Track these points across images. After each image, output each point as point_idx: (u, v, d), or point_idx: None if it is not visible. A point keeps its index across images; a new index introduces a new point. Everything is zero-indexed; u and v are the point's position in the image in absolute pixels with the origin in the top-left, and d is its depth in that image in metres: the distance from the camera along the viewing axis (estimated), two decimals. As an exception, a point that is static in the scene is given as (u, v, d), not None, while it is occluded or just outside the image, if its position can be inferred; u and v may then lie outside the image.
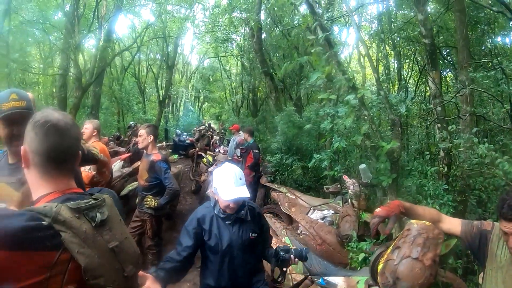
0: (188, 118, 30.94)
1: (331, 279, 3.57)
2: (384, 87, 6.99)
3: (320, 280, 3.68)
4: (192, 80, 38.94)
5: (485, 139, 4.38)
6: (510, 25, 9.48)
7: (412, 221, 2.29)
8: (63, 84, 13.40)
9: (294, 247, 3.13)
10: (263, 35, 15.02)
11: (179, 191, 5.54)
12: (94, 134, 5.26)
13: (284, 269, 3.07)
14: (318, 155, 4.78)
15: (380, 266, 2.25)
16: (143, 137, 5.15)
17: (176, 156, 9.40)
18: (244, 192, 2.76)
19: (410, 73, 13.97)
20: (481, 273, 2.49)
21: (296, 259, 3.05)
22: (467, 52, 7.35)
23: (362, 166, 4.43)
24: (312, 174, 9.59)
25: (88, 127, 5.27)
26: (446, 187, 4.49)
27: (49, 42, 16.16)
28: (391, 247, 2.27)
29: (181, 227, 8.05)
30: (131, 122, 14.68)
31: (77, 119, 11.39)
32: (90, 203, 1.46)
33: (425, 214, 2.50)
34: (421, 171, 4.72)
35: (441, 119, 5.24)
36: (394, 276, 2.07)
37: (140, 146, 5.28)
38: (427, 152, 4.93)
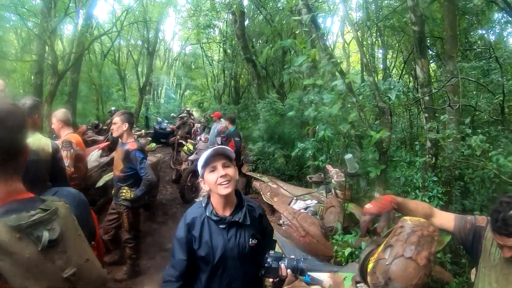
0: (169, 106, 30.59)
1: (316, 275, 3.38)
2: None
3: (304, 276, 3.49)
4: (173, 67, 38.55)
5: (479, 131, 4.23)
6: (500, 16, 9.57)
7: (405, 217, 2.09)
8: (39, 70, 12.94)
9: (292, 256, 2.54)
10: (246, 22, 14.80)
11: (156, 182, 5.30)
12: (61, 126, 4.93)
13: (273, 280, 2.55)
14: (302, 144, 4.56)
15: (370, 265, 2.07)
16: (118, 124, 4.87)
17: (154, 144, 9.16)
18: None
19: (394, 63, 13.88)
20: (473, 269, 2.40)
21: (288, 271, 2.46)
22: (455, 42, 7.27)
23: (348, 156, 4.25)
24: (295, 162, 9.44)
25: (53, 121, 4.98)
26: (435, 178, 4.34)
27: (26, 27, 15.60)
28: (382, 245, 2.07)
29: (161, 217, 7.96)
30: (112, 108, 14.31)
31: (54, 107, 10.95)
32: (35, 217, 1.10)
33: (418, 209, 2.34)
34: (409, 162, 4.56)
35: (429, 109, 5.08)
36: (386, 276, 1.88)
37: (114, 134, 5.02)
38: (416, 142, 4.73)
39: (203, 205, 2.47)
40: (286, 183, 7.15)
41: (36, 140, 3.41)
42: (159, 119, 18.25)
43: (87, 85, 21.02)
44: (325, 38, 4.03)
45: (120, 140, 5.05)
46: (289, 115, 5.77)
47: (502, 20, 11.19)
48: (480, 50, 10.25)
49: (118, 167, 4.95)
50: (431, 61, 11.99)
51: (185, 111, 17.29)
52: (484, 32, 11.09)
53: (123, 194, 4.84)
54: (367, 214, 2.21)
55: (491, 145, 4.08)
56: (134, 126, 14.00)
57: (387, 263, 1.91)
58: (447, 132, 4.24)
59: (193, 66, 35.70)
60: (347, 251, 3.81)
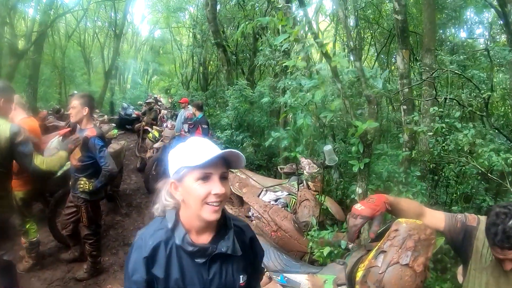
0: (136, 91, 29.88)
1: (293, 276, 3.10)
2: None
3: (279, 278, 3.20)
4: (141, 52, 37.89)
5: (465, 125, 4.08)
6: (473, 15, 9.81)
7: (400, 220, 1.89)
8: (-4, 50, 12.24)
9: None
10: (218, 7, 14.45)
11: (117, 172, 4.88)
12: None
13: None
14: (276, 133, 4.23)
15: (359, 274, 1.87)
16: (77, 109, 4.39)
17: (116, 131, 8.73)
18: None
19: (366, 55, 13.87)
20: (459, 268, 2.27)
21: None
22: (433, 36, 7.25)
23: (328, 147, 4.00)
24: (264, 152, 9.22)
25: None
26: (418, 173, 4.16)
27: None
28: (373, 250, 1.88)
29: (124, 209, 7.58)
30: (74, 91, 13.73)
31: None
32: None
33: (410, 209, 2.10)
34: (391, 155, 4.36)
35: (408, 101, 4.91)
36: (380, 285, 1.74)
37: (72, 119, 4.52)
38: (400, 135, 4.55)
39: (169, 225, 1.57)
40: (256, 174, 6.92)
41: None
42: (125, 105, 17.79)
43: (50, 68, 20.30)
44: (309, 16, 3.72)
45: (78, 126, 4.59)
46: (263, 102, 5.40)
47: (475, 19, 11.56)
48: (452, 45, 10.46)
49: (75, 156, 4.46)
50: (395, 53, 12.17)
51: (152, 98, 16.88)
52: (455, 28, 11.41)
53: (81, 185, 4.41)
54: (358, 217, 1.94)
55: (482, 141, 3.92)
56: (97, 111, 13.55)
57: (380, 271, 1.76)
58: (436, 126, 4.03)
59: (161, 51, 35.26)
60: (326, 250, 3.53)
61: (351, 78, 4.74)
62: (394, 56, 14.06)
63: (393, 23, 10.65)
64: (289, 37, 2.88)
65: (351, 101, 3.37)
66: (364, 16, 11.79)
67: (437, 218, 2.11)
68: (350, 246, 3.37)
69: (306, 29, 3.35)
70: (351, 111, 3.29)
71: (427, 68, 6.59)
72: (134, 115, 15.92)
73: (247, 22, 3.33)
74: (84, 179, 4.43)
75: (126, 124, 15.81)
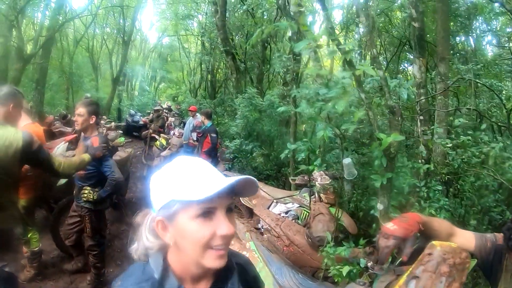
0: (143, 98, 29.86)
1: (312, 297, 2.93)
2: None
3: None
4: (149, 59, 37.94)
5: (500, 137, 3.92)
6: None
7: (434, 242, 1.75)
8: (3, 54, 12.16)
9: None
10: (227, 15, 14.38)
11: (123, 181, 4.71)
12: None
13: None
14: (293, 145, 4.05)
15: None
16: (84, 117, 4.22)
17: (123, 139, 8.63)
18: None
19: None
20: None
21: None
22: (447, 44, 7.08)
23: (347, 160, 3.84)
24: (273, 162, 9.05)
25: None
26: (440, 188, 3.97)
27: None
28: (404, 276, 1.71)
29: (130, 218, 7.31)
30: (88, 94, 13.65)
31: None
32: None
33: (441, 229, 1.94)
34: (412, 168, 4.17)
35: (425, 112, 4.73)
36: None
37: (78, 127, 4.39)
38: (422, 148, 4.37)
39: (156, 275, 1.17)
40: (266, 185, 6.77)
41: (3, 134, 2.99)
42: (132, 112, 17.74)
43: (57, 73, 20.30)
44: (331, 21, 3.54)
45: (82, 133, 4.47)
46: (279, 111, 5.17)
47: (484, 27, 11.46)
48: (463, 54, 10.34)
49: None
50: (410, 64, 12.09)
51: (166, 105, 16.81)
52: (466, 36, 11.32)
53: (85, 195, 4.25)
54: (391, 238, 1.77)
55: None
56: (105, 117, 13.48)
57: (413, 300, 1.60)
58: (462, 139, 3.86)
59: (169, 59, 35.30)
60: (346, 269, 3.31)
61: (374, 87, 4.57)
62: (404, 64, 13.96)
63: (404, 31, 10.60)
64: (310, 42, 2.71)
65: (374, 112, 3.19)
66: (373, 24, 11.65)
67: (467, 238, 1.96)
68: (369, 264, 3.18)
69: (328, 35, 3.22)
70: (375, 123, 3.11)
71: (442, 78, 6.42)
72: (141, 122, 15.84)
73: (263, 27, 3.15)
74: (88, 188, 4.27)
75: (133, 131, 15.75)
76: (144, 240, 1.19)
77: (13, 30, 12.18)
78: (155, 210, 1.15)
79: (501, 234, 1.94)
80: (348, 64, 2.85)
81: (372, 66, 2.90)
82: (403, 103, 5.29)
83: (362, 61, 12.24)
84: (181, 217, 1.09)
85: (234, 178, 1.10)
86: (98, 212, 4.52)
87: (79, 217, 4.53)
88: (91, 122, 4.28)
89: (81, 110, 4.23)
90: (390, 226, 1.82)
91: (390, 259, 1.87)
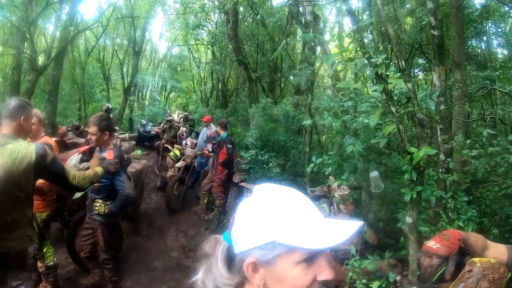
0: (154, 108, 29.99)
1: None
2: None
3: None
4: (159, 69, 38.08)
5: None
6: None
7: (474, 259, 1.75)
8: (16, 65, 12.29)
9: None
10: (238, 25, 14.45)
11: (133, 197, 4.66)
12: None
13: None
14: (320, 159, 3.98)
15: None
16: (97, 135, 4.25)
17: (139, 152, 8.57)
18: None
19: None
20: None
21: None
22: (462, 50, 7.02)
23: (374, 174, 3.77)
24: (289, 172, 8.97)
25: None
26: (467, 199, 3.89)
27: (5, 18, 14.94)
28: None
29: (145, 230, 7.35)
30: (107, 104, 13.66)
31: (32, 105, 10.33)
32: None
33: (477, 244, 1.91)
34: (437, 180, 4.09)
35: (445, 121, 4.65)
36: None
37: (93, 145, 4.48)
38: (449, 159, 4.27)
39: None
40: (284, 196, 6.64)
41: (16, 148, 2.92)
42: (143, 122, 17.75)
43: (69, 84, 20.44)
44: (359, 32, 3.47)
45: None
46: (305, 124, 5.04)
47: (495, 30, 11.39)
48: (478, 59, 10.25)
49: None
50: (417, 70, 12.05)
51: (182, 115, 16.80)
52: (478, 42, 11.28)
53: (96, 207, 4.24)
54: (433, 256, 1.78)
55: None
56: (117, 128, 13.49)
57: (456, 316, 1.60)
58: (490, 150, 3.78)
59: (179, 68, 35.41)
60: (375, 285, 3.23)
61: (402, 100, 4.49)
62: (415, 71, 13.87)
63: (415, 38, 10.50)
64: (342, 55, 2.66)
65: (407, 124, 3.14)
66: (384, 30, 11.56)
67: (500, 251, 1.91)
68: (397, 278, 3.12)
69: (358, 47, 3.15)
70: (405, 137, 3.05)
71: (460, 85, 6.33)
72: (153, 132, 15.82)
73: (288, 39, 3.10)
74: (100, 201, 4.26)
75: (145, 141, 15.72)
76: (217, 274, 1.07)
77: (26, 41, 12.29)
78: (244, 247, 1.02)
79: None
80: (379, 77, 2.79)
81: (402, 79, 2.83)
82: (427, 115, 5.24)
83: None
84: (282, 262, 0.98)
85: (350, 225, 0.99)
86: (111, 226, 4.49)
87: (92, 229, 4.53)
88: (105, 138, 4.31)
89: (93, 128, 4.25)
90: (432, 245, 1.82)
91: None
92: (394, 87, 2.93)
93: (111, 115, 11.52)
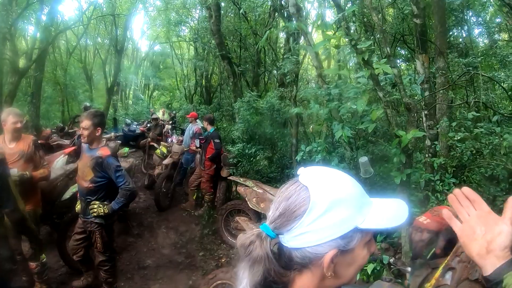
0: (138, 107, 29.76)
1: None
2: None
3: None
4: (142, 67, 37.80)
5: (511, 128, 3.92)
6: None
7: None
8: (-3, 68, 12.07)
9: None
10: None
11: (136, 190, 4.62)
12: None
13: None
14: (308, 147, 3.98)
15: None
16: (90, 130, 4.13)
17: (127, 149, 8.50)
18: None
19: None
20: None
21: None
22: (444, 38, 7.14)
23: (364, 159, 3.77)
24: (277, 164, 8.98)
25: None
26: (454, 180, 3.94)
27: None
28: (440, 268, 1.74)
29: (136, 229, 7.35)
30: (87, 103, 13.45)
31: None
32: None
33: None
34: (425, 163, 4.14)
35: (430, 106, 4.71)
36: None
37: (84, 140, 4.28)
38: (436, 142, 4.34)
39: None
40: (272, 188, 6.68)
41: None
42: (128, 121, 17.57)
43: (52, 86, 20.19)
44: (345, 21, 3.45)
45: (86, 145, 4.36)
46: (293, 112, 5.03)
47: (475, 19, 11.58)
48: (459, 47, 10.40)
49: (86, 177, 4.21)
50: (401, 60, 12.21)
51: (169, 116, 16.68)
52: (459, 31, 11.46)
53: (95, 209, 4.13)
54: (424, 232, 1.77)
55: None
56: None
57: (450, 289, 1.62)
58: (475, 131, 3.83)
59: (161, 66, 35.22)
60: (370, 268, 3.25)
61: (387, 85, 4.52)
62: (398, 61, 13.99)
63: (397, 28, 10.57)
64: (327, 42, 2.66)
65: (392, 110, 3.13)
66: (366, 21, 11.61)
67: None
68: (391, 260, 3.14)
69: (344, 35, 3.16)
70: (393, 121, 3.07)
71: (442, 72, 6.42)
72: (138, 131, 15.68)
73: (271, 29, 3.10)
74: (98, 202, 4.17)
75: (130, 140, 15.52)
76: (270, 273, 0.96)
77: (6, 43, 12.10)
78: (319, 239, 0.94)
79: None
80: (366, 63, 2.80)
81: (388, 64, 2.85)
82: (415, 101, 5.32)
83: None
84: (358, 246, 0.98)
85: (398, 201, 1.07)
86: (109, 226, 4.42)
87: (86, 232, 4.42)
88: (97, 134, 4.21)
89: (86, 123, 4.15)
90: (423, 220, 1.82)
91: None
92: (380, 74, 2.96)
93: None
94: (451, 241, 1.75)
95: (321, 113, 3.64)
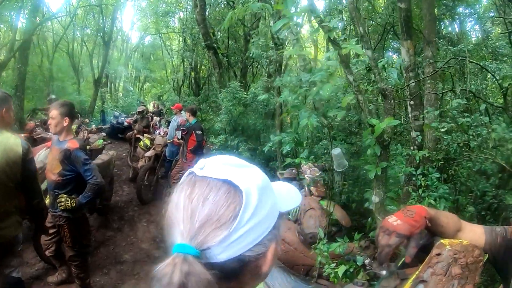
0: (127, 99, 29.52)
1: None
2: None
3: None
4: (132, 59, 37.49)
5: (501, 119, 3.74)
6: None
7: (443, 241, 1.49)
8: (-22, 61, 11.82)
9: None
10: (207, 10, 14.19)
11: (104, 185, 4.47)
12: None
13: None
14: (277, 137, 3.79)
15: None
16: (57, 120, 3.98)
17: (101, 141, 8.28)
18: None
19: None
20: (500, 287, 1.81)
21: None
22: (433, 27, 7.16)
23: (336, 151, 3.60)
24: (261, 156, 8.84)
25: None
26: (438, 175, 3.75)
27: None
28: (410, 280, 1.47)
29: (116, 223, 7.13)
30: (52, 96, 13.12)
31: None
32: None
33: (449, 224, 1.64)
34: (407, 156, 3.94)
35: (416, 96, 4.53)
36: None
37: (53, 130, 4.14)
38: (413, 135, 4.17)
39: None
40: (254, 180, 6.51)
41: (3, 139, 3.00)
42: (116, 113, 17.46)
43: (38, 78, 19.89)
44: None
45: (55, 137, 4.22)
46: (259, 99, 4.88)
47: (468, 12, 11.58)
48: (449, 37, 10.35)
49: (54, 170, 4.07)
50: (395, 52, 12.19)
51: (155, 109, 16.51)
52: (450, 21, 11.51)
53: (62, 203, 3.99)
54: (393, 235, 1.45)
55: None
56: (87, 121, 13.14)
57: (421, 307, 1.37)
58: (461, 121, 3.63)
59: (152, 58, 34.97)
60: (341, 270, 3.03)
61: (360, 69, 4.33)
62: (390, 53, 13.95)
63: (388, 18, 10.46)
64: (288, 22, 2.43)
65: (364, 96, 2.92)
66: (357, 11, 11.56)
67: (476, 234, 1.69)
68: (366, 262, 2.96)
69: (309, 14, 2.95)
70: (365, 108, 2.86)
71: (431, 61, 6.28)
72: (126, 123, 15.52)
73: (234, 10, 2.90)
74: (65, 196, 4.02)
75: (118, 133, 15.42)
76: None
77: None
78: (251, 241, 0.80)
79: (511, 227, 1.70)
80: (332, 43, 2.59)
81: (359, 45, 2.65)
82: (393, 87, 5.13)
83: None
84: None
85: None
86: (78, 220, 4.27)
87: (56, 227, 4.31)
88: (65, 124, 4.03)
89: (53, 112, 4.00)
90: (393, 221, 1.50)
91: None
92: (355, 57, 2.78)
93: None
94: (425, 248, 1.55)
95: (289, 101, 3.44)
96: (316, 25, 2.99)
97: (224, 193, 0.78)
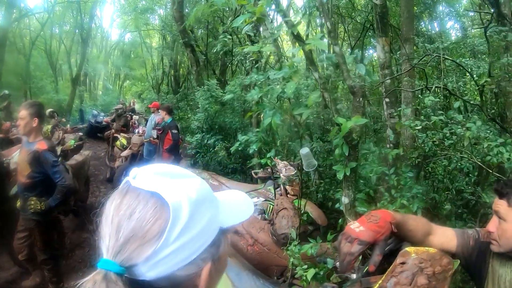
0: (107, 98, 29.16)
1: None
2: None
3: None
4: (112, 56, 37.07)
5: (476, 116, 3.73)
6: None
7: (407, 249, 1.47)
8: None
9: None
10: (186, 7, 14.06)
11: (74, 188, 4.38)
12: None
13: None
14: (244, 136, 3.72)
15: None
16: (26, 120, 3.91)
17: (73, 142, 8.12)
18: None
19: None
20: None
21: None
22: (411, 25, 7.21)
23: (305, 150, 3.54)
24: (238, 155, 8.79)
25: None
26: (412, 174, 3.70)
27: None
28: None
29: (92, 224, 7.09)
30: (5, 91, 12.67)
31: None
32: None
33: (418, 228, 1.60)
34: (380, 154, 3.88)
35: (391, 93, 4.51)
36: None
37: (21, 131, 4.07)
38: (389, 133, 4.13)
39: None
40: (229, 180, 6.52)
41: None
42: (95, 112, 17.19)
43: (14, 77, 19.51)
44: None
45: (24, 138, 4.14)
46: (225, 99, 4.86)
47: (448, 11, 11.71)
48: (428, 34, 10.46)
49: (23, 172, 4.01)
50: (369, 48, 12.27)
51: (131, 107, 16.32)
52: (429, 20, 11.64)
53: (32, 206, 3.93)
54: (355, 242, 1.36)
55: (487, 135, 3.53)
56: (63, 120, 12.89)
57: (383, 318, 1.34)
58: (434, 119, 3.59)
59: (132, 55, 34.66)
60: (310, 273, 2.95)
61: (329, 65, 4.29)
62: (370, 51, 14.01)
63: (367, 16, 10.50)
64: (251, 17, 2.35)
65: (331, 94, 2.85)
66: (336, 10, 11.54)
67: (447, 237, 1.69)
68: (337, 264, 2.90)
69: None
70: (332, 106, 2.79)
71: (408, 57, 6.30)
72: (104, 122, 15.32)
73: (199, 7, 2.82)
74: (34, 198, 3.96)
75: (97, 132, 15.24)
76: None
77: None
78: (186, 258, 0.74)
79: (483, 229, 1.70)
80: (296, 38, 2.52)
81: (324, 40, 2.59)
82: (367, 85, 5.07)
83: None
84: (224, 251, 0.86)
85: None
86: (48, 223, 4.20)
87: (27, 230, 4.22)
88: (34, 125, 3.96)
89: (22, 113, 3.93)
90: (355, 227, 1.42)
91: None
92: (322, 53, 2.73)
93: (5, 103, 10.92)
94: (389, 256, 1.48)
95: (256, 99, 3.38)
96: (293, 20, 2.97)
97: (152, 207, 0.71)
